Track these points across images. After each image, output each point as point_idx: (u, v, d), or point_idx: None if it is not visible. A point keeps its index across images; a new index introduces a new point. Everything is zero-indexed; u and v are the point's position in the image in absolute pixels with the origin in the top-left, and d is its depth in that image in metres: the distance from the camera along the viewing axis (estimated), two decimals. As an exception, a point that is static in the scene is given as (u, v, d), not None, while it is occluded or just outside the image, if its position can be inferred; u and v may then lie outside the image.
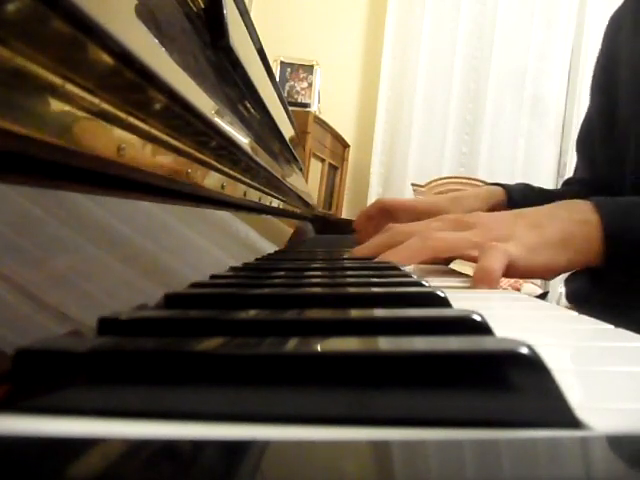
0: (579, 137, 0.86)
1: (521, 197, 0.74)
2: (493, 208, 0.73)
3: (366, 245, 0.56)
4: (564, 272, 0.55)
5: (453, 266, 0.70)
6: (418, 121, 2.78)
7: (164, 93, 0.29)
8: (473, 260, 0.52)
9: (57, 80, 0.20)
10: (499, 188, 0.77)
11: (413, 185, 2.56)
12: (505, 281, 1.92)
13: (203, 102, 0.36)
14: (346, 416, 0.14)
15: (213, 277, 0.35)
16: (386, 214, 0.73)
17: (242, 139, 0.48)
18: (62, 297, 0.20)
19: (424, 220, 0.57)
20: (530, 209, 0.56)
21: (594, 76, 0.81)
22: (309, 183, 2.00)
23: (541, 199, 0.59)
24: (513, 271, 0.50)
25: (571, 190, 0.78)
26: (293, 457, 0.12)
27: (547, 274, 0.54)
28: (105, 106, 0.24)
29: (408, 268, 0.44)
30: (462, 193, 0.78)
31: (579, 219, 0.53)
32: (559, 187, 0.95)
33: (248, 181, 0.57)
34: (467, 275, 0.58)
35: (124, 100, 0.26)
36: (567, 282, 0.78)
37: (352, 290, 0.30)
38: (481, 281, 0.46)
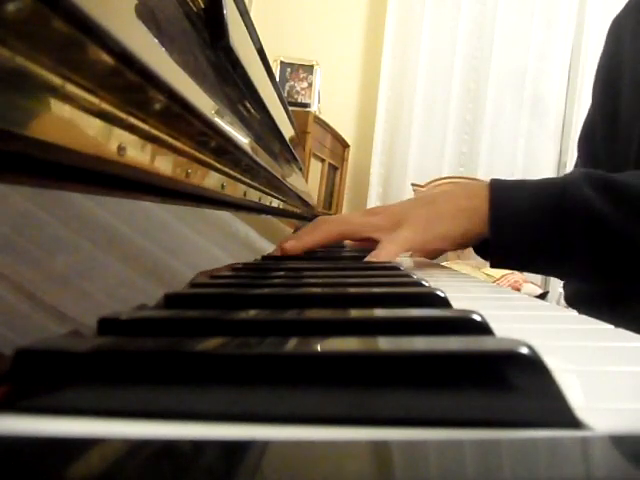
0: (581, 135, 0.86)
1: None
2: None
3: (292, 236, 0.61)
4: (461, 242, 0.59)
5: (453, 266, 0.70)
6: (418, 121, 2.77)
7: (164, 93, 0.29)
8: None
9: (57, 80, 0.20)
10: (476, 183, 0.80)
11: (413, 185, 2.56)
12: (505, 281, 1.91)
13: (203, 102, 0.36)
14: (346, 416, 0.14)
15: (213, 277, 0.35)
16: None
17: (242, 139, 0.48)
18: (62, 297, 0.20)
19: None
20: (428, 193, 0.63)
21: (596, 78, 0.81)
22: (309, 183, 2.00)
23: None
24: (415, 249, 0.58)
25: None
26: (293, 457, 0.12)
27: (444, 244, 0.59)
28: (105, 106, 0.24)
29: (406, 267, 0.44)
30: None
31: (472, 194, 0.58)
32: None
33: (248, 181, 0.57)
34: (466, 275, 0.58)
35: (124, 100, 0.25)
36: (565, 285, 0.78)
37: (352, 290, 0.30)
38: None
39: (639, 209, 0.52)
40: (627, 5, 0.76)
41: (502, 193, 0.56)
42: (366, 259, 0.54)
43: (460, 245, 0.60)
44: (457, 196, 0.58)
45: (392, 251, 0.55)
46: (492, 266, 0.60)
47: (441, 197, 0.59)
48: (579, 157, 0.88)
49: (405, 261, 0.70)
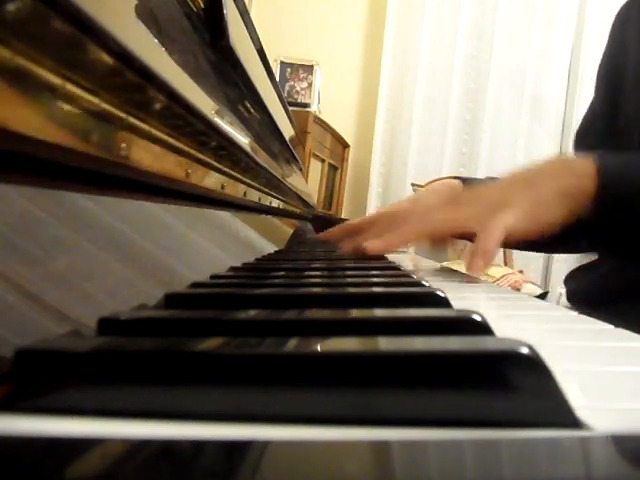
0: (579, 131, 0.85)
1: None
2: None
3: (363, 235, 0.56)
4: (560, 225, 0.54)
5: (453, 266, 0.70)
6: (418, 121, 2.77)
7: (164, 93, 0.29)
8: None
9: (57, 80, 0.20)
10: (458, 181, 0.74)
11: (413, 185, 2.56)
12: (505, 281, 1.91)
13: (203, 102, 0.36)
14: (346, 416, 0.14)
15: (213, 277, 0.35)
16: (356, 234, 0.72)
17: (242, 139, 0.48)
18: (62, 297, 0.20)
19: (420, 203, 0.58)
20: (523, 169, 0.55)
21: (600, 69, 0.80)
22: (309, 183, 1.99)
23: None
24: (515, 236, 0.49)
25: None
26: (293, 457, 0.12)
27: (547, 231, 0.53)
28: (105, 106, 0.24)
29: (407, 268, 0.44)
30: (421, 192, 0.77)
31: (574, 171, 0.52)
32: None
33: (248, 181, 0.57)
34: (466, 275, 0.58)
35: (124, 100, 0.25)
36: (566, 282, 0.78)
37: (352, 290, 0.30)
38: (475, 258, 0.47)
39: None
40: None
41: (612, 164, 0.51)
42: (472, 248, 0.47)
43: (556, 229, 0.55)
44: (559, 174, 0.52)
45: (497, 236, 0.48)
46: (589, 241, 0.54)
47: (542, 179, 0.52)
48: (575, 151, 0.87)
49: (404, 261, 0.70)
